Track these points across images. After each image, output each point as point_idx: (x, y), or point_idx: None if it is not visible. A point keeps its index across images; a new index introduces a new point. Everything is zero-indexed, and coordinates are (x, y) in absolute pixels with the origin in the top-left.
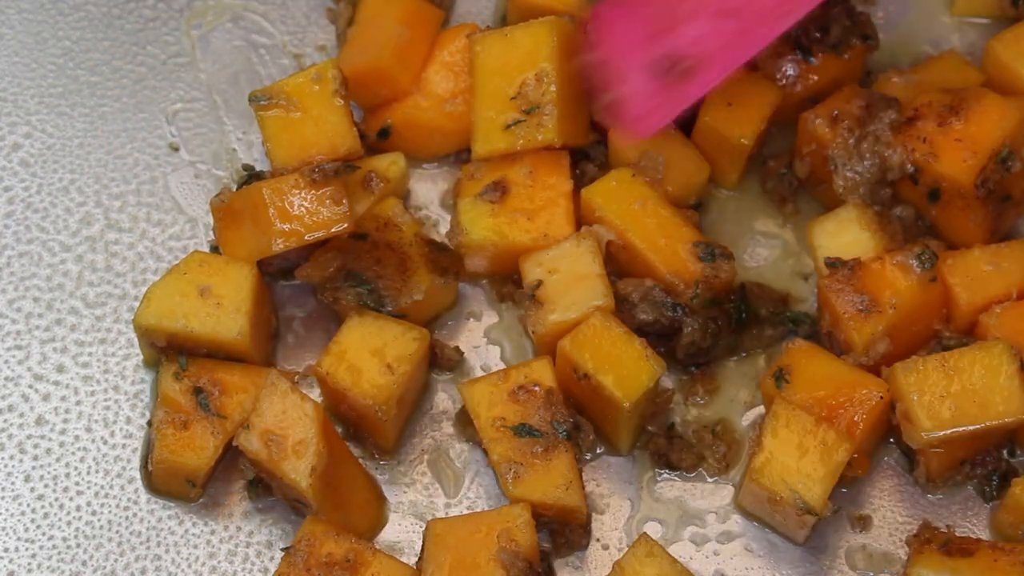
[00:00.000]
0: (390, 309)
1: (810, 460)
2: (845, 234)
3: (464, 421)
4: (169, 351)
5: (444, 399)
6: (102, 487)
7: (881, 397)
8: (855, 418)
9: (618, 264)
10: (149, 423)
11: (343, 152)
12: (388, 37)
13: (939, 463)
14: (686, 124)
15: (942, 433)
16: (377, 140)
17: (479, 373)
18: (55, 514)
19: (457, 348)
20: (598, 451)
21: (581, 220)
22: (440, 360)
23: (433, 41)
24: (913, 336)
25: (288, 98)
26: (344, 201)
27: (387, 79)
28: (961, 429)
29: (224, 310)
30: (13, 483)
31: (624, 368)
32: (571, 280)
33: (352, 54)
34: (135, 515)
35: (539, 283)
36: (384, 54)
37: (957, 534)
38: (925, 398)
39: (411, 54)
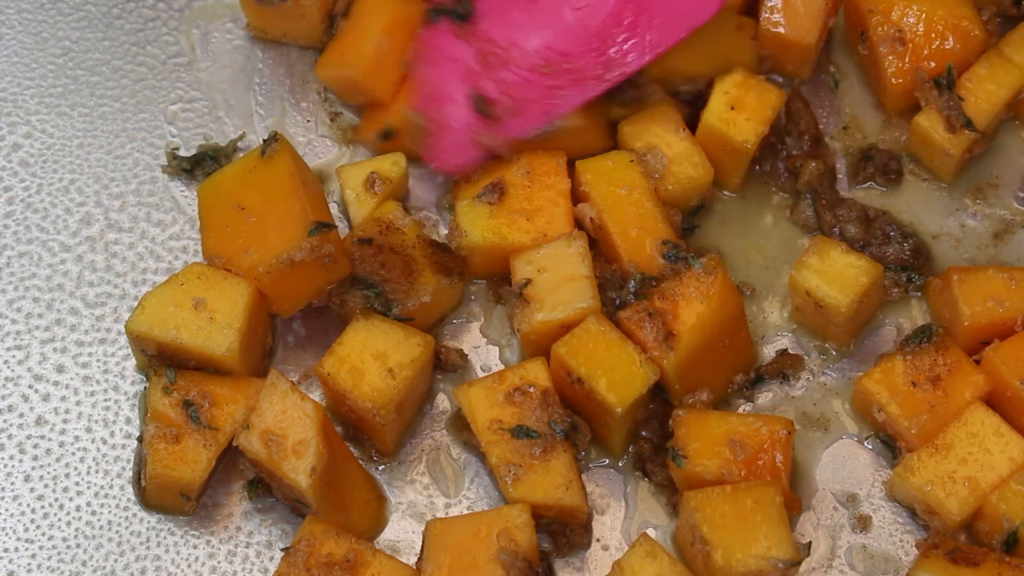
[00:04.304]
0: (397, 312)
1: (756, 522)
2: (832, 266)
3: (459, 426)
4: (159, 360)
5: (444, 399)
6: (102, 487)
7: (788, 432)
8: (776, 461)
9: (595, 241)
10: (140, 439)
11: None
12: (366, 48)
13: None
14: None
15: None
16: (380, 142)
17: (480, 373)
18: (55, 514)
19: (461, 351)
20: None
21: (574, 193)
22: (444, 364)
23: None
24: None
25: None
26: (335, 256)
27: (361, 90)
28: None
29: (216, 325)
30: (13, 483)
31: (617, 374)
32: (559, 280)
33: (329, 61)
34: (135, 515)
35: (527, 281)
36: (360, 65)
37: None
38: None
39: (389, 66)
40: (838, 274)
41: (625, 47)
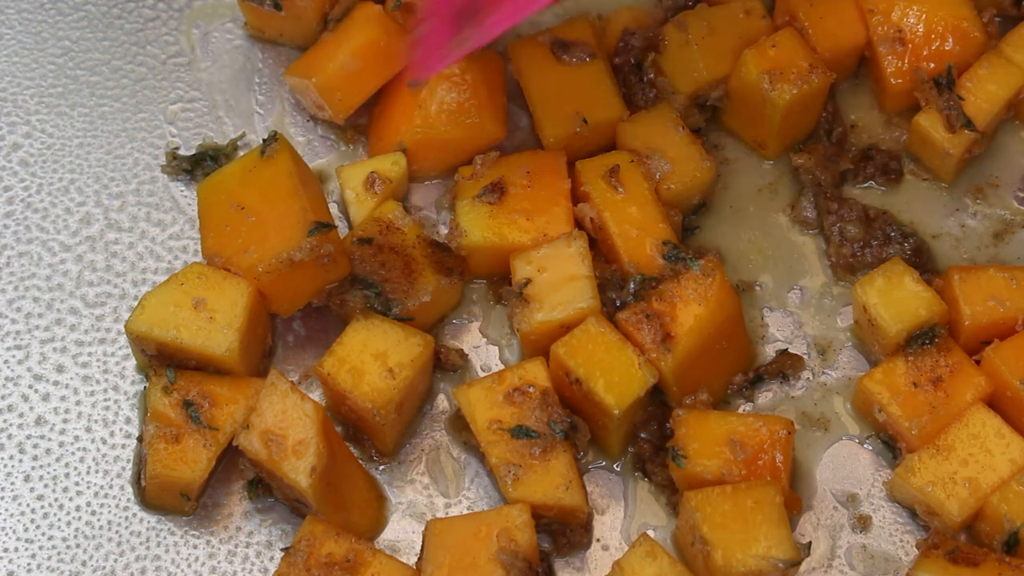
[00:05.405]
0: (397, 312)
1: (756, 522)
2: (896, 291)
3: (458, 426)
4: (159, 360)
5: (444, 399)
6: (102, 487)
7: (788, 432)
8: (776, 461)
9: (595, 241)
10: (139, 439)
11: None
12: (331, 65)
13: None
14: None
15: None
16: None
17: (480, 373)
18: (55, 514)
19: (461, 351)
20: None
21: (574, 193)
22: (444, 364)
23: (392, 75)
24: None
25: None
26: (335, 256)
27: (317, 104)
28: None
29: (216, 325)
30: (13, 483)
31: (615, 375)
32: (559, 280)
33: (297, 68)
34: (135, 515)
35: (528, 281)
36: (319, 79)
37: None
38: None
39: (350, 87)
40: (899, 300)
41: None
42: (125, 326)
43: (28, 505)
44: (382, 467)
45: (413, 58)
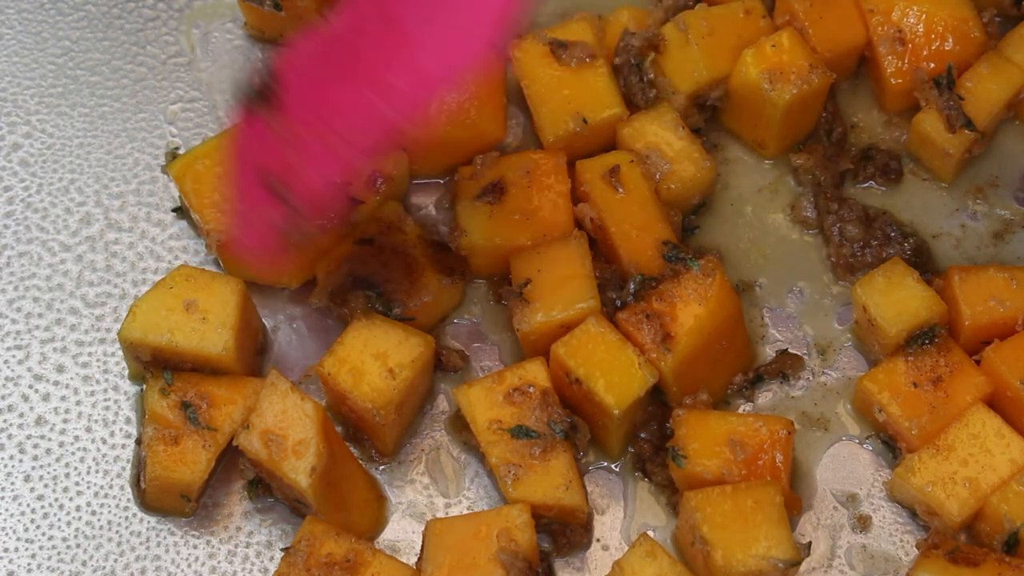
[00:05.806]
0: (399, 312)
1: (756, 522)
2: (896, 291)
3: (458, 426)
4: (154, 366)
5: (444, 399)
6: (102, 487)
7: (788, 432)
8: (776, 461)
9: (595, 241)
10: (138, 441)
11: None
12: None
13: None
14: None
15: None
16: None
17: (480, 373)
18: (55, 514)
19: (462, 353)
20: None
21: (574, 193)
22: (445, 365)
23: None
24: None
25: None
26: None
27: None
28: None
29: (209, 325)
30: (13, 483)
31: (616, 375)
32: (559, 280)
33: None
34: (135, 515)
35: (527, 281)
36: None
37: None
38: None
39: None
40: (899, 300)
41: (396, 91)
42: (119, 335)
43: (28, 505)
44: (382, 467)
45: (236, 231)
